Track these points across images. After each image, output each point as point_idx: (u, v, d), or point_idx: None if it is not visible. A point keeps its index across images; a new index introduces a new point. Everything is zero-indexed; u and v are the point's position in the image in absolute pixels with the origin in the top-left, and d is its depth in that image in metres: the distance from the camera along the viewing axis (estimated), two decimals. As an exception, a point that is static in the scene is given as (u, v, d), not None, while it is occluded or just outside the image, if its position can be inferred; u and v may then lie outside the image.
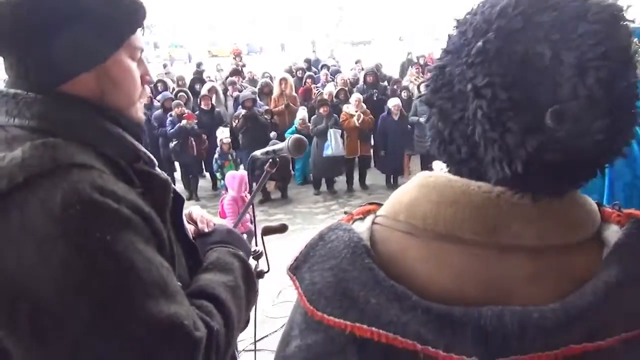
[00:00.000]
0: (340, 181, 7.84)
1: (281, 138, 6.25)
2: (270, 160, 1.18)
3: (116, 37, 0.83)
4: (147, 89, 0.98)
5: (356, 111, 7.29)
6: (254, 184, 1.31)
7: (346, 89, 8.32)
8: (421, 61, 11.17)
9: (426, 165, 7.77)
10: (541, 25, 0.50)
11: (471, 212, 0.56)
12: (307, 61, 12.83)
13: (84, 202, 0.69)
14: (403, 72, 11.95)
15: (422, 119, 7.04)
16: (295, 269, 0.65)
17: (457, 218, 0.56)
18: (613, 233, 0.58)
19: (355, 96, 7.58)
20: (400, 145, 7.58)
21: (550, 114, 0.48)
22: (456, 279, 0.56)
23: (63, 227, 0.67)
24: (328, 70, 10.95)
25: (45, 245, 0.67)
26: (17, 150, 0.70)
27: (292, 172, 7.97)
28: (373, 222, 0.64)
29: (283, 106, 7.90)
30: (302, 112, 7.50)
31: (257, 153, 1.22)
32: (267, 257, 1.19)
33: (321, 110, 7.25)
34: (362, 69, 11.23)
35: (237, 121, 7.26)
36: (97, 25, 0.79)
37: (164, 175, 0.87)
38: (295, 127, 7.22)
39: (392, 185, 7.62)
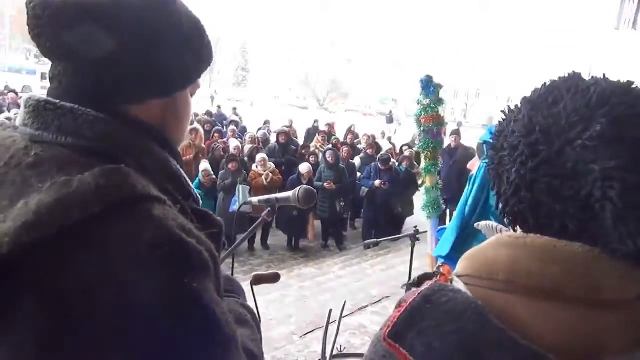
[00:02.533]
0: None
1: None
2: (269, 208, 1.14)
3: (196, 71, 0.80)
4: None
5: (264, 170, 7.36)
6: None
7: (258, 147, 8.39)
8: (326, 129, 11.66)
9: (326, 229, 8.00)
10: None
11: (576, 271, 0.58)
12: (209, 114, 12.78)
13: (173, 243, 0.60)
14: (309, 138, 12.39)
15: (325, 185, 7.29)
16: (397, 336, 0.60)
17: (564, 276, 0.58)
18: None
19: (260, 156, 7.66)
20: (306, 209, 7.69)
21: None
22: (564, 336, 0.57)
23: (151, 271, 0.58)
24: (236, 127, 11.00)
25: (128, 292, 0.57)
26: (85, 175, 0.60)
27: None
28: (467, 285, 0.64)
29: (192, 156, 7.71)
30: (204, 164, 7.35)
31: (254, 200, 1.17)
32: (257, 307, 1.13)
33: (230, 165, 7.18)
34: (270, 130, 11.44)
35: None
36: (185, 56, 0.76)
37: (218, 217, 0.79)
38: (199, 180, 7.05)
39: (293, 247, 7.63)
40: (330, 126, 12.32)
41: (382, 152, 9.05)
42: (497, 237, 0.66)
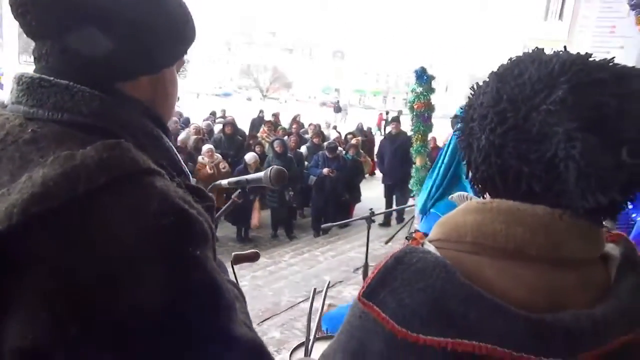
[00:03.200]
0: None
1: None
2: (240, 190, 1.15)
3: (182, 48, 0.81)
4: None
5: (210, 162, 7.27)
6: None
7: (203, 138, 8.24)
8: (272, 119, 11.62)
9: (275, 219, 8.02)
10: (603, 81, 0.63)
11: (539, 232, 0.64)
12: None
13: (177, 213, 0.62)
14: (253, 128, 12.29)
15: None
16: (371, 295, 0.64)
17: (526, 236, 0.64)
18: (612, 249, 0.72)
19: (207, 147, 7.55)
20: (253, 198, 7.67)
21: (627, 151, 0.60)
22: (528, 291, 0.63)
23: (157, 240, 0.60)
24: (179, 118, 10.73)
25: (135, 260, 0.58)
26: (87, 149, 0.61)
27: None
28: (436, 247, 0.69)
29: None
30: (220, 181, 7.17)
31: (223, 182, 1.18)
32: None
33: (176, 157, 7.02)
34: (215, 121, 11.24)
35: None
36: (173, 34, 0.77)
37: (209, 194, 0.80)
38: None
39: (242, 238, 7.60)
40: (276, 116, 12.28)
41: (329, 141, 9.14)
42: (466, 204, 0.72)
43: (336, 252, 6.51)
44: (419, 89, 3.73)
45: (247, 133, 10.43)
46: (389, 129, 9.84)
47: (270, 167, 1.21)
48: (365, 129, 14.57)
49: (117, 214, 0.59)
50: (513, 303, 0.61)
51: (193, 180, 0.82)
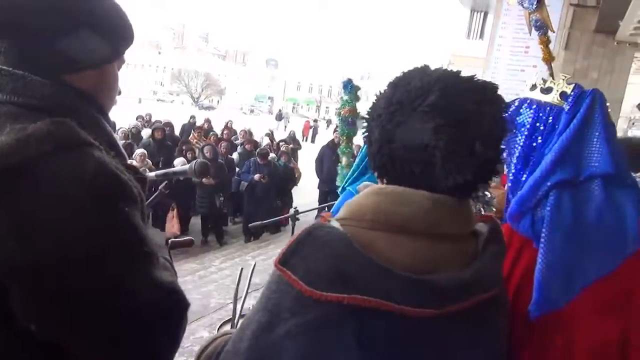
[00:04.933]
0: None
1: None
2: (166, 182, 1.28)
3: (121, 47, 0.97)
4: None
5: (141, 166, 7.15)
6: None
7: (131, 142, 8.08)
8: (205, 125, 11.54)
9: (206, 225, 7.98)
10: (468, 91, 0.82)
11: (421, 211, 0.81)
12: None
13: (110, 175, 0.79)
14: (183, 133, 12.14)
15: (204, 180, 7.33)
16: (285, 262, 0.78)
17: (411, 215, 0.81)
18: (481, 227, 0.93)
19: (140, 151, 7.44)
20: (185, 204, 7.62)
21: (479, 143, 0.80)
22: (412, 258, 0.79)
23: (93, 194, 0.75)
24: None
25: (77, 210, 0.74)
26: (38, 123, 0.76)
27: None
28: (341, 225, 0.83)
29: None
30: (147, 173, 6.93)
31: (151, 174, 1.29)
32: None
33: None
34: (145, 125, 11.00)
35: None
36: (111, 34, 0.93)
37: (143, 173, 0.96)
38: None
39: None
40: (208, 122, 12.23)
41: (260, 147, 9.26)
42: (368, 189, 0.89)
43: (267, 256, 6.61)
44: (346, 97, 4.26)
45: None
46: (330, 136, 10.13)
47: (195, 161, 1.36)
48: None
49: (61, 174, 0.75)
50: (398, 267, 0.77)
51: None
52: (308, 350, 0.74)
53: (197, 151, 8.50)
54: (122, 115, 14.84)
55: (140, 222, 0.83)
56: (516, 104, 1.20)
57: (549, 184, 1.08)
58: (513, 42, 8.68)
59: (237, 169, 8.51)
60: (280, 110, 38.08)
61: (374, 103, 0.91)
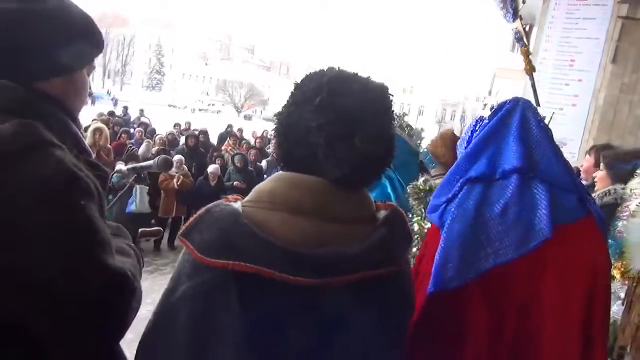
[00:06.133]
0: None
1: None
2: (136, 175, 1.35)
3: (88, 56, 1.06)
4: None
5: (176, 172, 7.33)
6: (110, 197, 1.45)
7: (165, 148, 8.33)
8: (238, 133, 11.80)
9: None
10: (353, 92, 0.90)
11: (309, 195, 0.89)
12: (111, 114, 12.46)
13: (68, 173, 0.88)
14: (221, 140, 12.45)
15: (235, 184, 7.47)
16: (186, 234, 0.89)
17: (301, 198, 0.89)
18: (381, 213, 0.98)
19: (177, 157, 7.64)
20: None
21: (358, 139, 0.87)
22: (300, 235, 0.87)
23: (53, 189, 0.84)
24: (145, 129, 10.81)
25: (37, 203, 0.82)
26: (6, 124, 0.85)
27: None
28: (242, 205, 0.92)
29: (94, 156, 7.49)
30: (119, 166, 7.20)
31: (123, 168, 1.39)
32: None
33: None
34: (181, 133, 11.34)
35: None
36: (78, 44, 1.02)
37: (106, 168, 1.05)
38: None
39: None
40: (240, 131, 12.56)
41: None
42: (273, 176, 0.97)
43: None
44: None
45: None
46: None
47: (159, 157, 1.45)
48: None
49: (23, 170, 0.84)
50: (286, 242, 0.85)
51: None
52: (197, 309, 0.84)
53: (227, 157, 8.69)
54: (168, 123, 15.44)
55: (95, 213, 0.92)
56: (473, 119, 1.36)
57: (461, 181, 1.18)
58: (557, 55, 8.50)
59: (265, 176, 8.62)
60: None
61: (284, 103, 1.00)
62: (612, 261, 1.51)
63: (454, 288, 1.11)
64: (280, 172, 0.97)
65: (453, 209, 1.17)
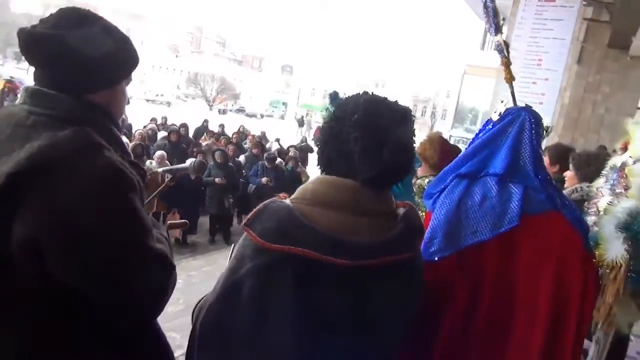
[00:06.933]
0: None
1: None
2: (171, 176, 1.52)
3: (127, 71, 1.25)
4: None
5: (159, 168, 7.33)
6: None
7: (143, 144, 8.32)
8: (219, 130, 11.81)
9: (214, 225, 8.20)
10: (384, 112, 1.11)
11: (344, 194, 1.10)
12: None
13: (116, 170, 1.08)
14: (197, 135, 12.44)
15: (217, 180, 7.55)
16: (249, 225, 1.09)
17: (337, 196, 1.10)
18: (400, 210, 1.20)
19: (159, 153, 7.65)
20: (194, 205, 7.84)
21: (386, 151, 1.07)
22: (338, 225, 1.07)
23: (104, 183, 1.04)
24: (121, 123, 10.72)
25: (93, 195, 1.03)
26: (64, 131, 1.04)
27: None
28: (291, 201, 1.13)
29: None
30: (151, 165, 7.22)
31: (159, 169, 1.55)
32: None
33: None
34: (158, 127, 11.28)
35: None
36: (119, 62, 1.22)
37: (143, 167, 1.23)
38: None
39: (182, 242, 7.69)
40: (222, 127, 12.57)
41: (268, 152, 9.47)
42: (315, 178, 1.18)
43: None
44: (333, 109, 4.43)
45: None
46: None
47: (194, 159, 1.61)
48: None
49: (81, 168, 1.03)
50: (328, 231, 1.05)
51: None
52: (259, 284, 1.04)
53: (207, 154, 8.73)
54: (139, 116, 15.32)
55: (139, 204, 1.12)
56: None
57: (452, 174, 1.41)
58: (526, 54, 8.78)
59: (244, 172, 8.71)
60: (302, 117, 38.57)
61: (324, 117, 1.22)
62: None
63: (437, 260, 1.35)
64: (320, 175, 1.17)
65: (442, 198, 1.41)
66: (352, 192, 1.10)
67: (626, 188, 1.79)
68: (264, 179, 8.19)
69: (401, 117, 1.13)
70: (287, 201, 1.13)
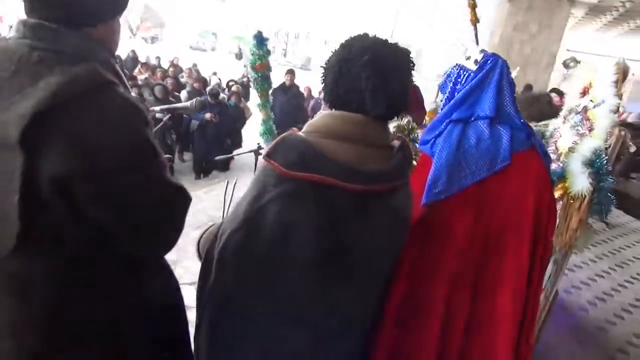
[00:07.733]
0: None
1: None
2: (170, 115, 1.58)
3: (123, 6, 1.24)
4: None
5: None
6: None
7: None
8: (156, 62, 11.25)
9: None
10: (389, 53, 1.23)
11: (356, 127, 1.23)
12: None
13: (132, 105, 1.12)
14: (126, 67, 11.79)
15: (207, 115, 7.34)
16: (269, 155, 1.19)
17: (348, 129, 1.23)
18: (395, 142, 1.34)
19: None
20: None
21: (393, 88, 1.21)
22: (350, 156, 1.20)
23: (123, 118, 1.09)
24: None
25: (113, 130, 1.06)
26: (78, 67, 1.05)
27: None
28: (304, 133, 1.25)
29: None
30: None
31: (157, 109, 1.58)
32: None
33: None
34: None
35: None
36: None
37: (145, 104, 1.27)
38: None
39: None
40: (158, 59, 11.96)
41: (211, 87, 9.24)
42: (324, 113, 1.30)
43: (219, 191, 6.86)
44: (259, 52, 4.23)
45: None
46: (281, 79, 10.22)
47: (195, 99, 1.68)
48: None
49: (100, 104, 1.06)
50: (339, 160, 1.19)
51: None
52: (284, 208, 1.16)
53: (144, 89, 8.41)
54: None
55: (154, 140, 1.17)
56: (454, 66, 1.70)
57: (447, 120, 1.58)
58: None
59: (188, 107, 8.48)
60: (240, 49, 36.86)
61: (328, 58, 1.31)
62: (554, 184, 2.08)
63: (443, 199, 1.52)
64: (329, 111, 1.29)
65: (441, 142, 1.56)
66: (363, 125, 1.23)
67: (590, 129, 2.07)
68: (207, 115, 8.00)
69: (404, 58, 1.26)
70: (301, 134, 1.24)
